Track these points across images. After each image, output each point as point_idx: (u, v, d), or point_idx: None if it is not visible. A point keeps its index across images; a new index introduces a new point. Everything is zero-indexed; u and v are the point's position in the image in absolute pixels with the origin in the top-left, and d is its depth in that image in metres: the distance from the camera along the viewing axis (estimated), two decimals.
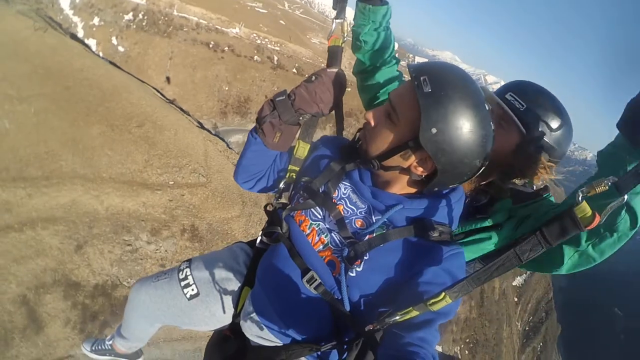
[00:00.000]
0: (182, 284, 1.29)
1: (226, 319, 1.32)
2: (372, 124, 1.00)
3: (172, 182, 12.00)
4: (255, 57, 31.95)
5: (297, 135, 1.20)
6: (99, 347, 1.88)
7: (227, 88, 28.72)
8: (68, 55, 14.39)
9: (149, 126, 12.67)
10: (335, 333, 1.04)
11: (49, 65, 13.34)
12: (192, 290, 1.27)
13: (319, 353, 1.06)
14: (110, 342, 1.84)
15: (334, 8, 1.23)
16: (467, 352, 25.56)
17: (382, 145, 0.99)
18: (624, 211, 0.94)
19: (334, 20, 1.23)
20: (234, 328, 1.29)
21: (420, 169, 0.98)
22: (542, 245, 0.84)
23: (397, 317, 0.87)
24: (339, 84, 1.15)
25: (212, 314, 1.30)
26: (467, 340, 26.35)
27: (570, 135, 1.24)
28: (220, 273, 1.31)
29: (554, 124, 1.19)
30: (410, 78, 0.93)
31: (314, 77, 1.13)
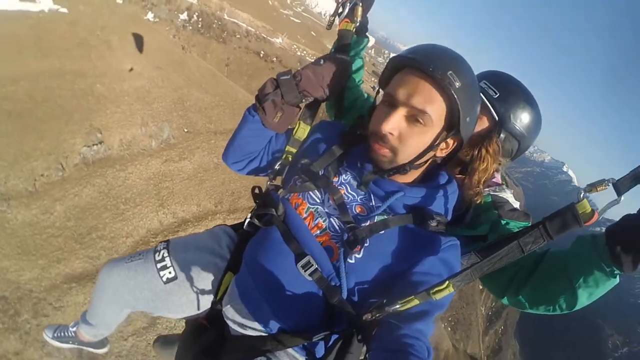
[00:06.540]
0: (159, 265, 1.17)
1: (204, 306, 1.21)
2: (396, 134, 0.95)
3: None
4: None
5: (296, 117, 1.17)
6: (62, 334, 1.75)
7: None
8: (230, 86, 14.83)
9: None
10: (327, 323, 0.97)
11: (229, 102, 14.00)
12: (170, 273, 1.16)
13: (306, 344, 0.98)
14: (74, 329, 1.69)
15: None
16: (449, 329, 28.74)
17: (417, 149, 0.96)
18: (567, 294, 0.96)
19: (347, 3, 1.23)
20: (212, 316, 1.20)
21: (445, 149, 1.01)
22: (544, 238, 0.87)
23: (398, 306, 0.86)
24: (346, 70, 1.15)
25: (190, 300, 1.20)
26: (450, 319, 29.08)
27: (538, 126, 1.26)
28: (202, 256, 1.20)
29: (525, 113, 1.21)
30: (431, 74, 0.90)
31: (322, 61, 1.12)
